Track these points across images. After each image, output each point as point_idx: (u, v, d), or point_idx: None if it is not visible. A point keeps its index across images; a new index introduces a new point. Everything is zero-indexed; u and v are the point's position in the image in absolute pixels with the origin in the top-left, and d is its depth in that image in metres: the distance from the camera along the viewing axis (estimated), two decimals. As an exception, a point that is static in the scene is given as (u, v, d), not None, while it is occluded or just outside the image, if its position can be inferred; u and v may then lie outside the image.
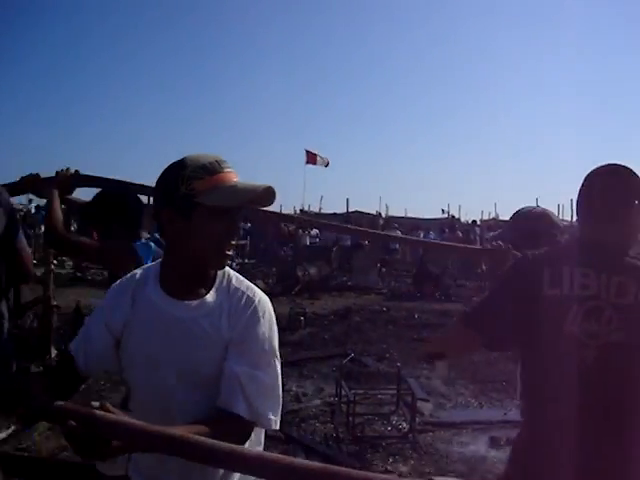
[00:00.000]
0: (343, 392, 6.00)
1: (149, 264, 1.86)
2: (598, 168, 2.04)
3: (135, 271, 1.82)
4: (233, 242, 1.68)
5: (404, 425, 5.76)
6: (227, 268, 1.75)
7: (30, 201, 24.90)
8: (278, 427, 1.69)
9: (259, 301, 1.71)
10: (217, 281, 1.72)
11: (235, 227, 1.69)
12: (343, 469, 1.16)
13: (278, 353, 1.72)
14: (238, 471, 1.50)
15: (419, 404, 5.94)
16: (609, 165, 2.03)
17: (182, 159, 1.65)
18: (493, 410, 6.43)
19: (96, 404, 1.34)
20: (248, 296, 1.70)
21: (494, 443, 5.41)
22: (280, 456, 1.24)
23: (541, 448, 1.96)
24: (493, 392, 6.98)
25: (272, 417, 1.65)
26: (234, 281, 1.73)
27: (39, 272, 11.47)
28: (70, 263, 18.14)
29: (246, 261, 21.17)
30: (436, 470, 4.87)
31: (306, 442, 5.19)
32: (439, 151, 69.34)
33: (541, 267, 1.97)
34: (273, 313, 1.75)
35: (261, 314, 1.69)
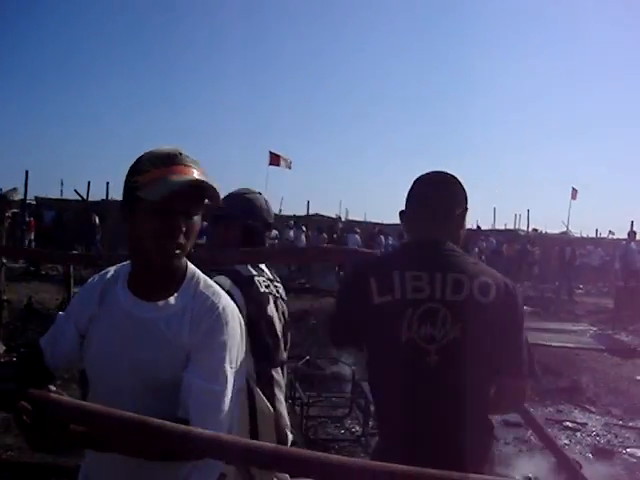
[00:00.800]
0: (297, 395, 5.99)
1: (124, 262, 1.79)
2: (427, 174, 2.12)
3: (110, 268, 1.80)
4: (179, 240, 1.57)
5: (357, 428, 5.79)
6: (197, 271, 1.70)
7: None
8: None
9: (223, 308, 1.63)
10: (184, 283, 1.66)
11: (174, 223, 1.55)
12: (303, 451, 1.15)
13: (238, 362, 1.64)
14: (193, 454, 1.42)
15: (372, 408, 5.95)
16: (438, 172, 2.12)
17: (145, 152, 1.62)
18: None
19: (53, 388, 1.30)
20: (212, 302, 1.63)
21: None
22: (235, 437, 1.22)
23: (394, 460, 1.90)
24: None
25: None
26: (201, 285, 1.67)
27: (-10, 266, 11.19)
28: (23, 257, 17.76)
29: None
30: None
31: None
32: (398, 157, 69.89)
33: (366, 276, 1.95)
34: (238, 321, 1.68)
35: (224, 322, 1.61)
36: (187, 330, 1.59)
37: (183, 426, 1.23)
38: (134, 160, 1.62)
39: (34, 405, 1.26)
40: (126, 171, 1.63)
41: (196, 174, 1.57)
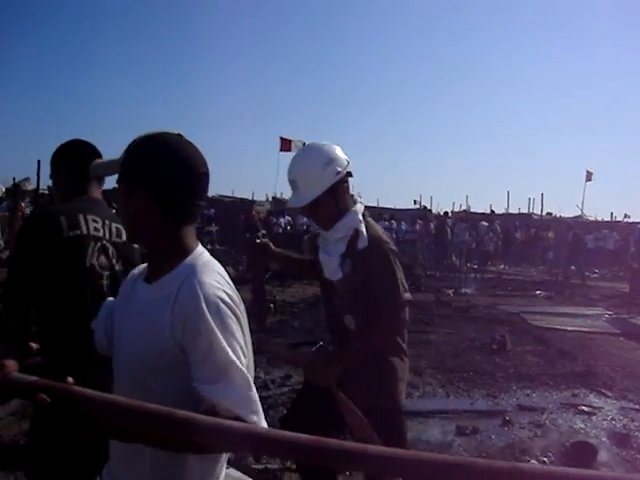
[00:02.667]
0: (311, 380, 5.98)
1: None
2: None
3: None
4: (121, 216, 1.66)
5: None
6: (201, 257, 1.64)
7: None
8: (265, 424, 1.52)
9: (206, 298, 1.51)
10: (180, 266, 1.60)
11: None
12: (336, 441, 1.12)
13: (240, 351, 1.53)
14: (225, 448, 1.42)
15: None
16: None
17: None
18: (459, 400, 6.48)
19: (70, 380, 1.28)
20: (196, 292, 1.52)
21: (460, 432, 5.47)
22: (271, 430, 1.19)
23: None
24: (460, 382, 7.04)
25: (254, 419, 1.49)
26: (194, 270, 1.58)
27: (5, 255, 11.32)
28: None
29: (217, 247, 21.09)
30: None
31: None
32: (412, 142, 69.67)
33: (55, 215, 2.45)
34: (227, 308, 1.54)
35: (210, 314, 1.50)
36: (168, 316, 1.52)
37: (212, 418, 1.20)
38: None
39: (54, 398, 1.24)
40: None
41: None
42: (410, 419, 5.75)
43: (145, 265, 1.75)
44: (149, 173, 1.58)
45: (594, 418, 6.06)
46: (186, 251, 1.64)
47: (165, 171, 1.58)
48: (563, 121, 72.16)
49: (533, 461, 4.90)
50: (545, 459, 4.94)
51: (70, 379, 1.28)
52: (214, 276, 1.59)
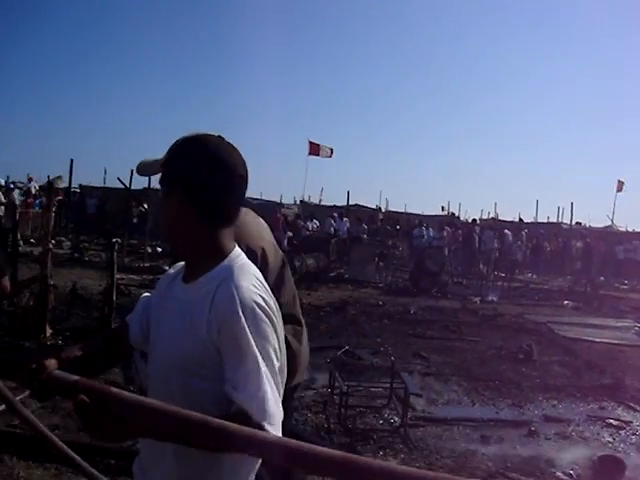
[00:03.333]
0: (336, 384, 6.00)
1: None
2: None
3: None
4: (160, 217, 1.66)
5: (396, 419, 5.77)
6: (238, 259, 1.65)
7: (30, 180, 24.99)
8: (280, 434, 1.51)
9: (242, 302, 1.52)
10: (217, 268, 1.61)
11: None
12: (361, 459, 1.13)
13: (272, 355, 1.54)
14: (258, 456, 1.44)
15: (412, 399, 5.94)
16: None
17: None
18: (485, 408, 6.44)
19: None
20: (233, 296, 1.52)
21: (484, 441, 5.43)
22: (300, 443, 1.20)
23: None
24: (486, 391, 6.99)
25: (268, 429, 1.46)
26: (231, 273, 1.58)
27: (37, 251, 11.52)
28: (68, 243, 18.15)
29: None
30: (426, 465, 4.87)
31: (297, 432, 5.18)
32: (441, 148, 69.22)
33: None
34: (263, 313, 1.55)
35: (245, 318, 1.50)
36: (205, 318, 1.54)
37: (247, 429, 1.22)
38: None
39: (94, 399, 1.27)
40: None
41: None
42: (434, 426, 5.74)
43: (182, 264, 1.76)
44: (186, 174, 1.60)
45: (622, 432, 5.98)
46: (223, 253, 1.65)
47: (202, 172, 1.60)
48: (595, 130, 71.09)
49: (559, 473, 4.85)
50: (571, 472, 4.89)
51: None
52: (251, 280, 1.59)
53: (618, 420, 6.27)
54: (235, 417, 1.40)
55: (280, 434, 1.50)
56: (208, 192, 1.60)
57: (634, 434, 5.96)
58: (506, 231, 22.98)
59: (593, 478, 4.79)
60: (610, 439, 5.77)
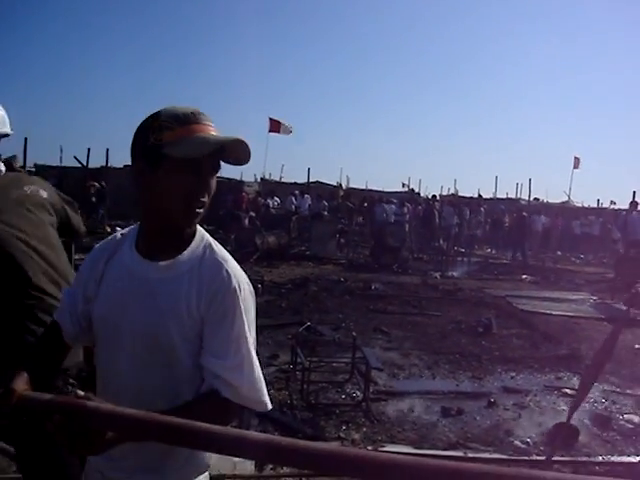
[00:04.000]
0: (298, 360, 6.02)
1: (132, 225, 1.76)
2: None
3: (116, 233, 1.78)
4: (203, 199, 1.56)
5: (358, 394, 5.82)
6: (207, 235, 1.67)
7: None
8: (270, 407, 1.63)
9: (234, 275, 1.59)
10: (193, 244, 1.63)
11: (204, 182, 1.54)
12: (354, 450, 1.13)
13: (254, 329, 1.63)
14: (243, 457, 1.48)
15: (373, 373, 6.00)
16: None
17: (159, 110, 1.56)
18: (445, 381, 6.55)
19: (81, 393, 1.27)
20: (223, 268, 1.59)
21: (445, 413, 5.52)
22: (293, 441, 1.18)
23: None
24: (446, 364, 7.10)
25: (263, 399, 1.59)
26: (210, 248, 1.64)
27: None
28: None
29: (204, 227, 20.99)
30: (388, 438, 4.94)
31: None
32: (402, 125, 69.50)
33: None
34: (249, 286, 1.64)
35: (238, 291, 1.58)
36: (195, 293, 1.56)
37: (236, 430, 1.21)
38: (148, 118, 1.57)
39: (71, 416, 1.24)
40: (132, 132, 1.59)
41: (215, 132, 1.56)
42: (396, 400, 5.81)
43: (117, 242, 1.72)
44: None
45: (577, 401, 6.14)
46: (195, 227, 1.66)
47: None
48: (552, 107, 72.19)
49: (517, 442, 4.97)
50: (529, 440, 5.01)
51: (79, 392, 1.28)
52: (228, 255, 1.66)
53: (573, 389, 6.41)
54: (211, 397, 1.52)
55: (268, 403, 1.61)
56: None
57: (587, 402, 6.12)
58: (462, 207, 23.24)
59: (548, 445, 4.92)
60: (565, 407, 5.90)
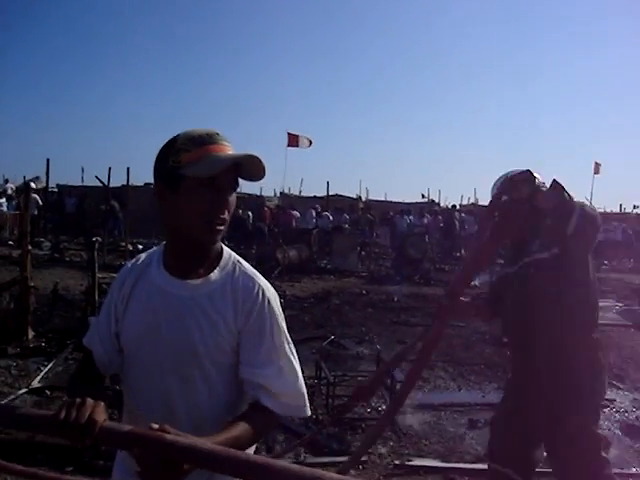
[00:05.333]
0: (323, 374, 6.01)
1: (155, 247, 1.82)
2: None
3: (141, 254, 1.83)
4: (223, 216, 1.60)
5: (383, 407, 5.79)
6: (233, 253, 1.74)
7: (6, 181, 24.71)
8: (309, 413, 1.72)
9: (266, 288, 1.68)
10: (222, 262, 1.70)
11: (222, 199, 1.59)
12: None
13: (289, 340, 1.71)
14: None
15: (398, 386, 5.95)
16: None
17: (177, 134, 1.62)
18: (471, 393, 6.49)
19: (155, 426, 1.30)
20: (255, 282, 1.67)
21: (472, 425, 5.47)
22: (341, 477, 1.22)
23: None
24: (472, 375, 7.05)
25: (304, 405, 1.68)
26: (240, 266, 1.71)
27: (16, 253, 11.38)
28: (47, 244, 17.97)
29: (225, 243, 21.08)
30: (415, 451, 4.91)
31: (285, 424, 5.18)
32: (420, 136, 69.45)
33: None
34: (279, 300, 1.74)
35: (272, 302, 1.67)
36: (231, 308, 1.63)
37: (309, 469, 1.22)
38: (167, 142, 1.62)
39: (150, 449, 1.28)
40: (154, 154, 1.64)
41: (232, 151, 1.61)
42: (422, 413, 5.77)
43: (144, 262, 1.76)
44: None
45: (606, 410, 6.05)
46: (218, 246, 1.72)
47: None
48: (570, 113, 71.70)
49: (546, 453, 4.89)
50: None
51: (154, 426, 1.30)
52: (255, 270, 1.74)
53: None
54: (256, 410, 1.60)
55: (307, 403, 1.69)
56: None
57: (617, 412, 6.03)
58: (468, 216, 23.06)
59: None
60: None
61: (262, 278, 1.71)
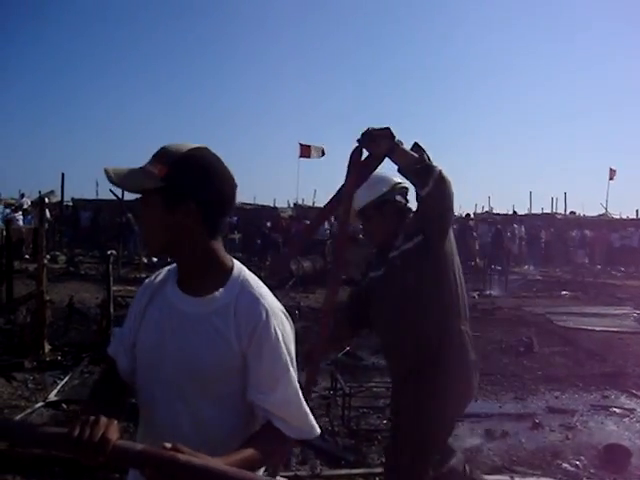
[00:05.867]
0: (338, 385, 5.98)
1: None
2: None
3: (162, 269, 1.84)
4: (145, 228, 1.68)
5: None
6: (244, 270, 1.70)
7: (22, 196, 24.93)
8: (319, 432, 1.70)
9: (271, 310, 1.63)
10: (231, 279, 1.66)
11: (137, 214, 1.65)
12: None
13: (294, 361, 1.67)
14: None
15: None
16: None
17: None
18: (488, 403, 6.44)
19: (168, 445, 1.31)
20: (260, 304, 1.62)
21: (489, 435, 5.42)
22: None
23: None
24: (488, 385, 6.98)
25: (312, 428, 1.67)
26: (247, 284, 1.66)
27: (32, 267, 11.47)
28: (63, 258, 18.11)
29: (239, 255, 21.17)
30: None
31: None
32: (433, 143, 69.03)
33: None
34: (287, 318, 1.69)
35: (278, 324, 1.62)
36: (234, 329, 1.60)
37: None
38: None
39: (162, 468, 1.28)
40: None
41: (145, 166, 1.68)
42: (439, 424, 5.71)
43: (162, 278, 1.77)
44: (199, 189, 1.60)
45: (626, 420, 5.98)
46: (227, 263, 1.69)
47: (215, 187, 1.62)
48: (585, 119, 71.36)
49: (565, 465, 4.84)
50: (578, 462, 4.88)
51: (167, 445, 1.31)
52: (266, 289, 1.69)
53: (621, 408, 6.27)
54: (268, 431, 1.59)
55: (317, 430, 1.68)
56: (219, 206, 1.64)
57: (638, 421, 5.96)
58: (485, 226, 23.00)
59: (600, 467, 4.79)
60: (614, 427, 5.77)
61: (270, 299, 1.66)
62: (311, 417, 1.65)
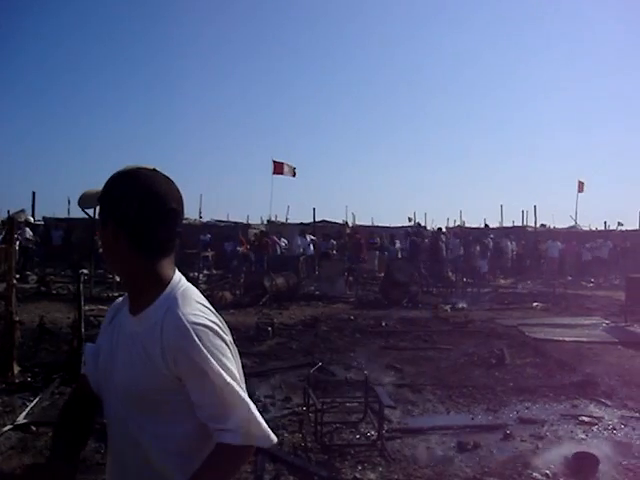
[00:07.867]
0: (311, 401, 5.99)
1: None
2: None
3: None
4: (100, 250, 1.70)
5: (372, 433, 5.77)
6: (181, 285, 1.68)
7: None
8: (275, 440, 1.64)
9: (195, 327, 1.55)
10: (161, 297, 1.64)
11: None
12: None
13: (235, 368, 1.61)
14: None
15: (387, 411, 5.96)
16: None
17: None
18: (460, 415, 6.49)
19: None
20: (182, 324, 1.55)
21: (462, 447, 5.46)
22: None
23: None
24: (460, 398, 7.04)
25: (266, 434, 1.60)
26: (175, 302, 1.62)
27: (1, 287, 11.33)
28: (34, 277, 17.87)
29: (213, 272, 21.08)
30: (404, 476, 4.89)
31: (274, 452, 5.15)
32: (404, 160, 69.76)
33: None
34: (218, 328, 1.61)
35: (203, 341, 1.55)
36: (159, 350, 1.57)
37: None
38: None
39: None
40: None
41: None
42: (411, 437, 5.76)
43: (125, 298, 1.78)
44: (118, 209, 1.63)
45: (595, 428, 6.07)
46: (163, 282, 1.67)
47: (133, 207, 1.61)
48: (553, 133, 72.46)
49: (535, 474, 4.90)
50: (547, 472, 4.94)
51: None
52: (195, 305, 1.63)
53: (590, 417, 6.37)
54: (218, 450, 1.56)
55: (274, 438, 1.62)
56: (140, 226, 1.63)
57: (606, 429, 6.05)
58: (455, 239, 23.17)
59: (569, 476, 4.86)
60: (583, 436, 5.86)
61: (194, 314, 1.58)
62: (263, 424, 1.58)
